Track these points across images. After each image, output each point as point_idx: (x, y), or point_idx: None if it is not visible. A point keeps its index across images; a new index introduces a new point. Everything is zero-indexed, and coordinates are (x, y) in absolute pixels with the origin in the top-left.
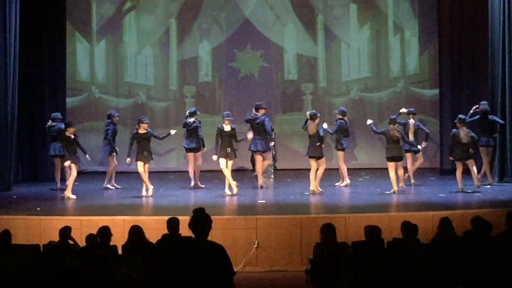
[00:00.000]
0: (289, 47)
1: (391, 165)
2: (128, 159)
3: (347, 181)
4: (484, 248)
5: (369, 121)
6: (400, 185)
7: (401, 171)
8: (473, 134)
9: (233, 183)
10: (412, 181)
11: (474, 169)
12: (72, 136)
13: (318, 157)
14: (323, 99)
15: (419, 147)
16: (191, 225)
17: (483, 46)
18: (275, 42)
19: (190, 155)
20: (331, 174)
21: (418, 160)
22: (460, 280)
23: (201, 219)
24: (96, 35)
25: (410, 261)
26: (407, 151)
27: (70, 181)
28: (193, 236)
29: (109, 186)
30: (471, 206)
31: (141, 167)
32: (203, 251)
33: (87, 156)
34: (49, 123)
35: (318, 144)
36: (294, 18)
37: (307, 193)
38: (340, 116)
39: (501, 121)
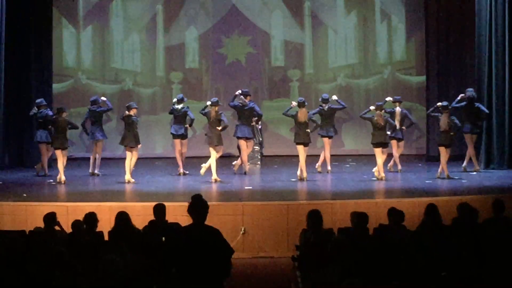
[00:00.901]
0: (276, 33)
1: (378, 151)
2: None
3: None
4: (470, 234)
5: (334, 97)
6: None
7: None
8: (456, 121)
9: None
10: (399, 167)
11: (444, 159)
12: (65, 120)
13: (306, 144)
14: (310, 85)
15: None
16: (190, 210)
17: (470, 34)
18: (262, 29)
19: (177, 141)
20: (315, 160)
21: (399, 148)
22: (446, 266)
23: (199, 204)
24: (82, 21)
25: (397, 247)
26: (392, 138)
27: (61, 166)
28: (179, 222)
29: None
30: (457, 193)
31: (129, 152)
32: (202, 234)
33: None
34: (35, 110)
35: (307, 130)
36: (281, 5)
37: (294, 180)
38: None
39: (486, 111)
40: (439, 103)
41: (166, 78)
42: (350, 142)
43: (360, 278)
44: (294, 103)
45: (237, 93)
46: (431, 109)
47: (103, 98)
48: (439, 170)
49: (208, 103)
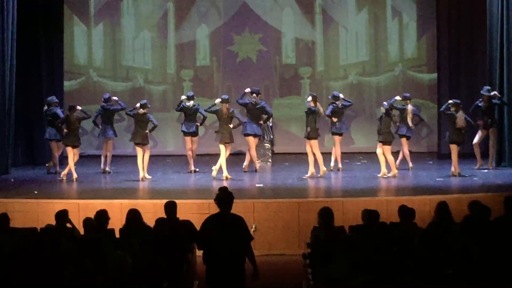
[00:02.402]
0: (287, 31)
1: (387, 149)
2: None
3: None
4: (482, 232)
5: (341, 95)
6: (383, 171)
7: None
8: (469, 119)
9: (225, 171)
10: (410, 165)
11: (456, 156)
12: (77, 118)
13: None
14: (321, 83)
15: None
16: (217, 200)
17: (482, 30)
18: (273, 26)
19: (188, 139)
20: (326, 158)
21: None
22: (457, 265)
23: (225, 195)
24: (93, 18)
25: (407, 245)
26: (402, 136)
27: (71, 163)
28: (189, 219)
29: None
30: (468, 191)
31: (139, 150)
32: (228, 221)
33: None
34: (45, 107)
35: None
36: (292, 2)
37: (305, 177)
38: (332, 100)
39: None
40: (451, 101)
41: (177, 76)
42: (361, 140)
43: (371, 275)
44: (218, 100)
45: (246, 90)
46: (443, 107)
47: (115, 98)
48: (453, 168)
49: (217, 101)
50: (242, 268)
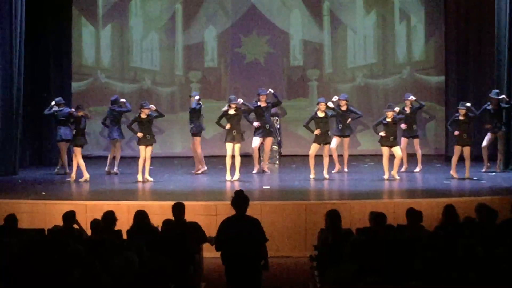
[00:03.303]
0: (295, 33)
1: (399, 148)
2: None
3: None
4: (489, 235)
5: (335, 98)
6: (387, 174)
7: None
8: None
9: (237, 170)
10: (406, 166)
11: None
12: (83, 118)
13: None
14: (329, 85)
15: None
16: (233, 203)
17: (490, 33)
18: (281, 28)
19: (198, 139)
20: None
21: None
22: (463, 267)
23: (240, 198)
24: (102, 20)
25: (415, 248)
26: (413, 137)
27: (82, 164)
28: (197, 221)
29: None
30: (476, 193)
31: (143, 151)
32: (245, 223)
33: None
34: (55, 108)
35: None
36: (300, 4)
37: (311, 178)
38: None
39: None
40: (469, 104)
41: (185, 77)
42: (368, 143)
43: (378, 277)
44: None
45: (270, 90)
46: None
47: (123, 100)
48: (467, 170)
49: (225, 108)
50: (258, 268)
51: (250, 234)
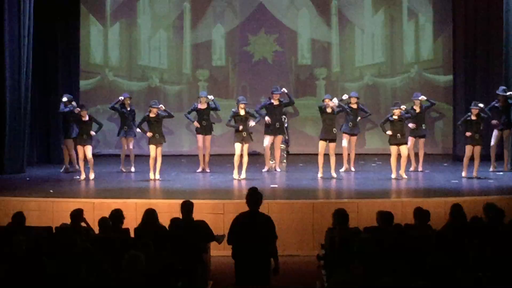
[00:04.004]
0: (303, 31)
1: (406, 147)
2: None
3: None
4: (496, 235)
5: (345, 96)
6: (394, 173)
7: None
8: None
9: (244, 170)
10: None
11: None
12: (87, 118)
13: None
14: (337, 84)
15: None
16: (248, 200)
17: (498, 32)
18: (289, 27)
19: (208, 137)
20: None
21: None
22: (472, 267)
23: (254, 195)
24: (110, 18)
25: (422, 247)
26: (420, 136)
27: (91, 163)
28: (204, 220)
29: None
30: (483, 193)
31: (153, 150)
32: (258, 220)
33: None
34: (74, 104)
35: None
36: (308, 3)
37: (319, 177)
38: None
39: None
40: (481, 105)
41: (193, 76)
42: (375, 142)
43: (390, 277)
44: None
45: (283, 90)
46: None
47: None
48: (475, 169)
49: (233, 109)
50: (268, 264)
51: (262, 230)
